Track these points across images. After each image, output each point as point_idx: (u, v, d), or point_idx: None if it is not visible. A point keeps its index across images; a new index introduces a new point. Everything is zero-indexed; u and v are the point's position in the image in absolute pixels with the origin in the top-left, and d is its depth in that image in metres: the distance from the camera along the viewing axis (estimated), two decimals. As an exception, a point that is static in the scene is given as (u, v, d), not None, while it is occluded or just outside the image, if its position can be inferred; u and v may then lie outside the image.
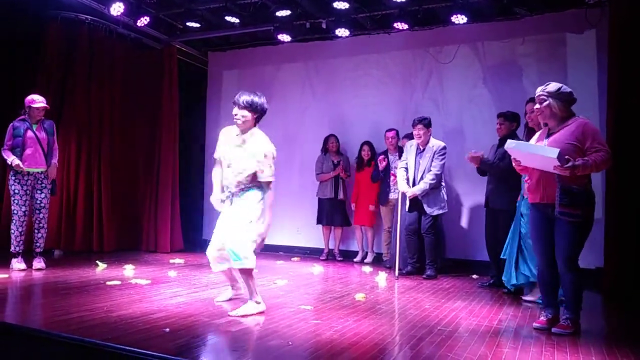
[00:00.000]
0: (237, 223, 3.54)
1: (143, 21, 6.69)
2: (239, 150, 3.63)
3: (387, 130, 6.62)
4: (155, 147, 7.52)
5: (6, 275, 4.74)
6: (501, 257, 4.70)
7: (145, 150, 7.58)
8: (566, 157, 3.18)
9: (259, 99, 3.64)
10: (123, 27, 7.15)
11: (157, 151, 7.49)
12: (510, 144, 3.44)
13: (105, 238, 6.91)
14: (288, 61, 7.95)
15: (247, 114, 3.59)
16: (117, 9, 6.28)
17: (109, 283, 4.56)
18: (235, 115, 3.61)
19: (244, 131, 3.64)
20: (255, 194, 3.62)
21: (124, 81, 7.34)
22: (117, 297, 4.01)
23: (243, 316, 3.49)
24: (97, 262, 5.64)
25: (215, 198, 3.81)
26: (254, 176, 3.60)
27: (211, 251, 3.78)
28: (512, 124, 5.18)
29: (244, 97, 3.59)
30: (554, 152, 3.16)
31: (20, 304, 3.95)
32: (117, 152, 7.23)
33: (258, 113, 3.65)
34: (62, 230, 6.63)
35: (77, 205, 6.81)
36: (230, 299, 3.98)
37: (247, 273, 3.55)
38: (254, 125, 3.69)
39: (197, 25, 7.36)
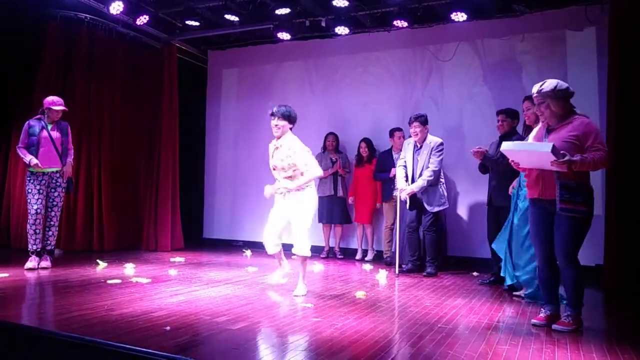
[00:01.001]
0: (300, 223, 4.27)
1: (142, 20, 6.69)
2: (277, 154, 4.32)
3: (395, 130, 6.61)
4: (155, 145, 7.52)
5: (7, 274, 4.74)
6: (492, 246, 4.75)
7: (145, 149, 7.58)
8: (562, 152, 3.19)
9: (292, 110, 4.34)
10: (122, 26, 7.15)
11: (157, 150, 7.48)
12: (505, 146, 3.46)
13: (105, 237, 6.91)
14: (288, 59, 7.94)
15: (284, 122, 4.27)
16: (116, 8, 6.28)
17: (109, 282, 4.57)
18: (276, 125, 4.25)
19: (279, 138, 4.31)
20: (310, 195, 4.34)
21: (123, 80, 7.34)
22: (117, 295, 4.01)
23: (299, 295, 4.23)
24: (98, 261, 5.65)
25: (268, 189, 4.40)
26: (298, 174, 4.28)
27: (268, 236, 4.45)
28: (513, 121, 5.18)
29: (281, 109, 4.27)
30: (548, 147, 3.17)
31: (21, 302, 3.95)
32: (117, 151, 7.23)
33: (292, 122, 4.34)
34: (63, 230, 6.60)
35: (78, 204, 6.81)
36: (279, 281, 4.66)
37: (304, 259, 4.37)
38: (287, 131, 4.35)
39: (197, 23, 7.36)
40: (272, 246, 4.47)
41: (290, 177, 4.29)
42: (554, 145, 3.17)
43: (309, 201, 4.32)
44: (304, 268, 4.41)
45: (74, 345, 2.80)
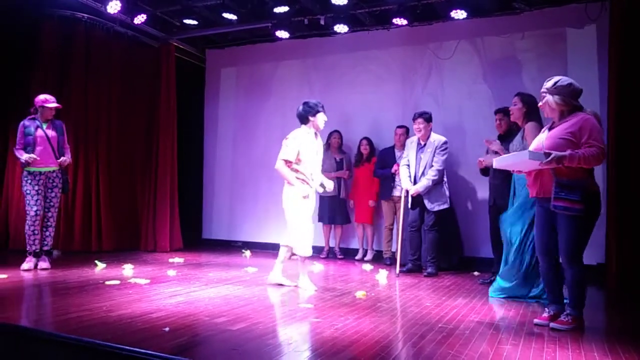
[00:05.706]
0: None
1: (140, 19, 6.66)
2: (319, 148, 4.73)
3: (397, 127, 6.58)
4: (153, 145, 7.49)
5: (5, 276, 4.71)
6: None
7: (143, 148, 7.55)
8: (545, 151, 3.19)
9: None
10: (120, 25, 7.12)
11: (155, 150, 7.45)
12: (496, 164, 3.57)
13: (103, 238, 6.89)
14: (286, 58, 7.91)
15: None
16: (114, 7, 6.25)
17: (108, 283, 4.54)
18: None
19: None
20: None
21: (121, 79, 7.30)
22: (116, 296, 3.99)
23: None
24: (96, 261, 5.62)
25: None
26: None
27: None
28: (510, 119, 5.14)
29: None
30: (525, 155, 3.28)
31: (19, 304, 3.93)
32: (114, 151, 7.19)
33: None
34: (61, 230, 6.59)
35: (76, 205, 6.78)
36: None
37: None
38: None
39: (195, 22, 7.33)
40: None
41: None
42: (529, 152, 3.28)
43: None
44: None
45: (72, 347, 2.78)
